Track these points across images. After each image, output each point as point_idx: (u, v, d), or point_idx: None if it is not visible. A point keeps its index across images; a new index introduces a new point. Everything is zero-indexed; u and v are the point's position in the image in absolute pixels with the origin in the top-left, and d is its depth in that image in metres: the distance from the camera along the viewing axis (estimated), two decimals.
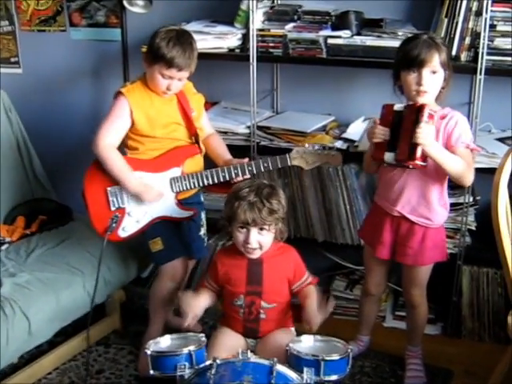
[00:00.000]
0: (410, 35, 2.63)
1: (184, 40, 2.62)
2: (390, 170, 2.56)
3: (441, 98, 2.49)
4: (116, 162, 2.67)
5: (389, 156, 2.42)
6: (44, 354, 2.87)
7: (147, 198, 2.70)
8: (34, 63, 3.91)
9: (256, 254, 2.37)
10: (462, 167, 2.42)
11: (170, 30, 2.62)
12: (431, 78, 2.40)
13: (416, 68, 2.39)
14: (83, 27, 3.74)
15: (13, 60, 3.97)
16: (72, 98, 3.85)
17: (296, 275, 2.43)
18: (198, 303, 2.39)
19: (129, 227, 2.75)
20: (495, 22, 2.77)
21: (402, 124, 2.40)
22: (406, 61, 2.41)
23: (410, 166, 2.41)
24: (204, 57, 3.18)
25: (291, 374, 2.05)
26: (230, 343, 2.37)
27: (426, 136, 2.32)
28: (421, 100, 2.42)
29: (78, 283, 2.82)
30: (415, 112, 2.35)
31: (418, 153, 2.35)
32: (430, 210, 2.55)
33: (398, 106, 2.44)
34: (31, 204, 3.44)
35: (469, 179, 2.47)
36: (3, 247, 3.08)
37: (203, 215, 2.99)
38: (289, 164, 2.71)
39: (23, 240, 3.17)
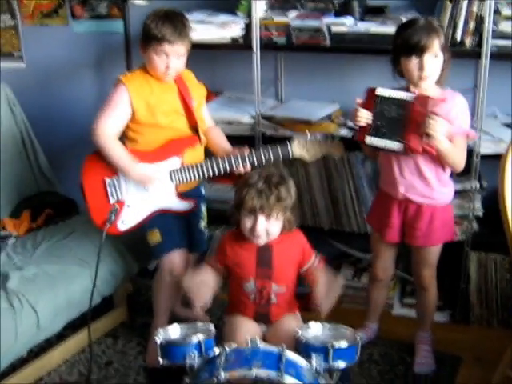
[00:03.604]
0: None
1: (172, 16, 2.60)
2: (386, 156, 2.57)
3: (441, 80, 2.49)
4: (116, 150, 2.64)
5: (394, 145, 2.42)
6: (53, 346, 2.88)
7: (149, 185, 2.68)
8: (37, 57, 3.91)
9: (262, 241, 2.36)
10: (458, 158, 2.47)
11: (158, 11, 2.61)
12: (433, 63, 2.41)
13: (418, 54, 2.39)
14: (85, 20, 3.73)
15: (16, 54, 3.96)
16: (76, 91, 3.85)
17: (305, 257, 2.44)
18: (206, 284, 2.38)
19: (128, 220, 2.72)
20: (499, 6, 2.75)
21: (407, 114, 2.39)
22: (406, 47, 2.41)
23: (412, 154, 2.44)
24: (207, 47, 3.19)
25: (300, 360, 2.05)
26: (247, 330, 2.37)
27: (440, 129, 2.35)
28: (423, 84, 2.44)
29: (86, 276, 2.81)
30: (426, 104, 2.35)
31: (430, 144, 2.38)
32: (431, 190, 2.57)
33: (387, 92, 2.43)
34: (37, 198, 3.45)
35: (461, 166, 2.51)
36: (10, 241, 3.08)
37: (204, 208, 2.96)
38: (290, 155, 2.68)
39: (30, 234, 3.18)
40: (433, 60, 2.40)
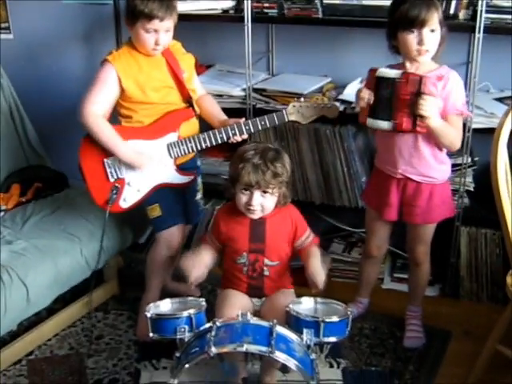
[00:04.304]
0: None
1: None
2: (385, 135, 2.55)
3: (437, 55, 2.46)
4: (103, 131, 2.60)
5: (385, 124, 2.41)
6: (43, 320, 2.87)
7: (140, 166, 2.66)
8: (25, 28, 3.86)
9: (257, 215, 2.36)
10: (453, 137, 2.45)
11: None
12: (432, 37, 2.38)
13: (417, 27, 2.36)
14: None
15: (3, 26, 3.91)
16: (64, 63, 3.81)
17: (298, 231, 2.44)
18: (202, 260, 2.38)
19: (130, 197, 2.71)
20: None
21: (395, 93, 2.37)
22: (405, 21, 2.37)
23: (402, 133, 2.44)
24: (198, 18, 3.15)
25: (291, 335, 2.05)
26: (239, 303, 2.38)
27: (431, 108, 2.33)
28: (420, 59, 2.41)
29: (76, 249, 2.81)
30: (416, 83, 2.33)
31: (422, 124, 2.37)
32: (430, 169, 2.55)
33: (381, 72, 2.41)
34: (26, 171, 3.41)
35: (457, 145, 2.50)
36: None
37: (199, 180, 2.97)
38: (286, 120, 2.66)
39: (19, 208, 3.15)
40: (432, 34, 2.38)
